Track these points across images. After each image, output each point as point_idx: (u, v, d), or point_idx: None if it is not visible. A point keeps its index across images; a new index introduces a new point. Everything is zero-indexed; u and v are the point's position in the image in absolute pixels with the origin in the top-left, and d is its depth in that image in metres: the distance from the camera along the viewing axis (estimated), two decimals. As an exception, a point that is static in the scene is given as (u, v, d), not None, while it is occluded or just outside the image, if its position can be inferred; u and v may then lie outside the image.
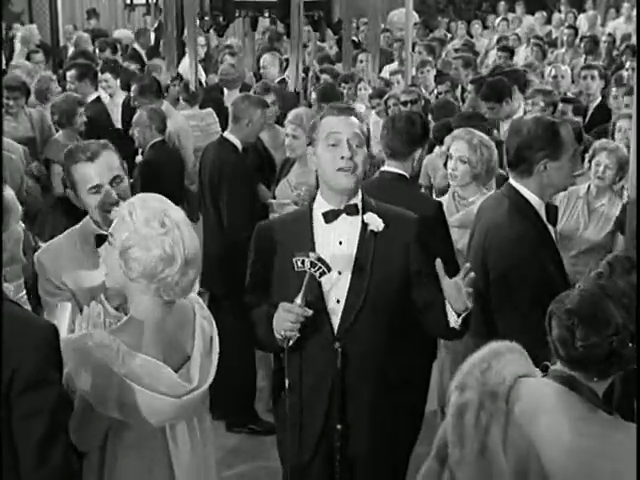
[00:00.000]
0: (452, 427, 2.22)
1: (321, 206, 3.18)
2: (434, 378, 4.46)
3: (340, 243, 3.14)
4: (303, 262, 2.98)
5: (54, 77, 8.13)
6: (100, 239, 3.00)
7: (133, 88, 7.22)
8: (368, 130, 3.25)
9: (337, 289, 3.10)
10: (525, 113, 6.67)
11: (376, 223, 3.13)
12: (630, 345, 2.13)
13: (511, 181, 3.53)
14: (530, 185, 3.45)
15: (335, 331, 3.10)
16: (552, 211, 3.51)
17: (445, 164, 4.68)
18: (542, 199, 3.47)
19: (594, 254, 4.70)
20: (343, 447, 3.14)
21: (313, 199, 3.25)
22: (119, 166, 3.21)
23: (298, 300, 2.96)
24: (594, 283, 2.21)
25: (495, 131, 5.87)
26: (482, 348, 2.32)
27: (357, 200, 3.18)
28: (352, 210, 3.15)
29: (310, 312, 2.98)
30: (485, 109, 6.49)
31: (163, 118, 6.33)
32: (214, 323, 2.85)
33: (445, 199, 4.67)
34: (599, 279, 2.21)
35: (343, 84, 7.93)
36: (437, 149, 5.63)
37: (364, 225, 3.15)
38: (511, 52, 10.04)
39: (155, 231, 2.54)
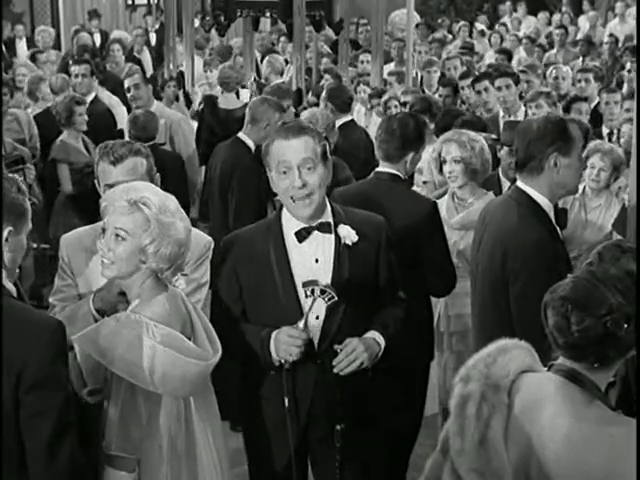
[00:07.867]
0: (454, 417, 2.23)
1: (292, 224, 3.12)
2: (436, 380, 4.45)
3: (316, 261, 3.09)
4: (313, 291, 2.96)
5: (45, 77, 8.17)
6: None
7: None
8: (324, 145, 3.08)
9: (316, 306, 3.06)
10: (526, 116, 6.68)
11: (350, 236, 3.09)
12: (626, 326, 2.13)
13: (519, 184, 3.47)
14: (540, 186, 3.39)
15: (315, 347, 3.07)
16: (562, 214, 3.50)
17: (440, 170, 4.68)
18: (551, 201, 3.43)
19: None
20: (343, 447, 3.12)
21: (280, 210, 3.18)
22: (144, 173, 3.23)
23: (301, 325, 2.95)
24: (585, 270, 2.23)
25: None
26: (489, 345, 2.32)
27: (328, 216, 3.12)
28: (325, 228, 3.10)
29: (311, 336, 2.99)
30: None
31: (143, 127, 6.11)
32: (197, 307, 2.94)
33: (445, 200, 4.67)
34: (590, 267, 2.22)
35: (373, 100, 7.74)
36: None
37: (338, 239, 3.10)
38: (509, 55, 10.00)
39: None
